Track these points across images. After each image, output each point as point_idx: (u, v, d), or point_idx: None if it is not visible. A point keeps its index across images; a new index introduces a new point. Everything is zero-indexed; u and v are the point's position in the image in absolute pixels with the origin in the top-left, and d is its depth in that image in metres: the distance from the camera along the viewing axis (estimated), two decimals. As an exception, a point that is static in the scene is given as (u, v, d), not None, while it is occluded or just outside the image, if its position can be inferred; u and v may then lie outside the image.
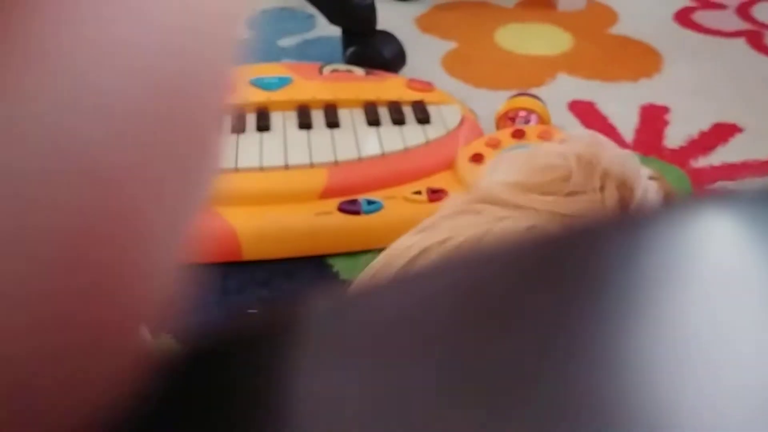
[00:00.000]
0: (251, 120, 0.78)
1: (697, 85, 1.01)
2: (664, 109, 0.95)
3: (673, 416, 0.13)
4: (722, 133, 0.90)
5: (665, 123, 0.92)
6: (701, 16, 1.21)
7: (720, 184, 0.81)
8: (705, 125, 0.91)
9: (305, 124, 0.77)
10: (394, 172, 0.72)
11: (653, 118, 0.93)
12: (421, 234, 0.47)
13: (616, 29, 1.16)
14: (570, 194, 0.46)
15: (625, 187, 0.50)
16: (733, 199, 0.20)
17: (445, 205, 0.50)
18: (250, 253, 0.69)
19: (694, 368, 0.14)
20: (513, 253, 0.19)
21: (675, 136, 0.89)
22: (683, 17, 1.20)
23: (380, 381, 0.15)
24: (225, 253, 0.67)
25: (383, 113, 0.79)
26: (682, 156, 0.85)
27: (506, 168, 0.49)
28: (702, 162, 0.84)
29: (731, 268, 0.17)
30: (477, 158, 0.73)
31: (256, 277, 0.69)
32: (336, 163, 0.72)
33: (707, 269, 0.17)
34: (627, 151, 0.52)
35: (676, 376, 0.14)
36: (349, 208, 0.69)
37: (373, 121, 0.77)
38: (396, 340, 0.16)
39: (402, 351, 0.16)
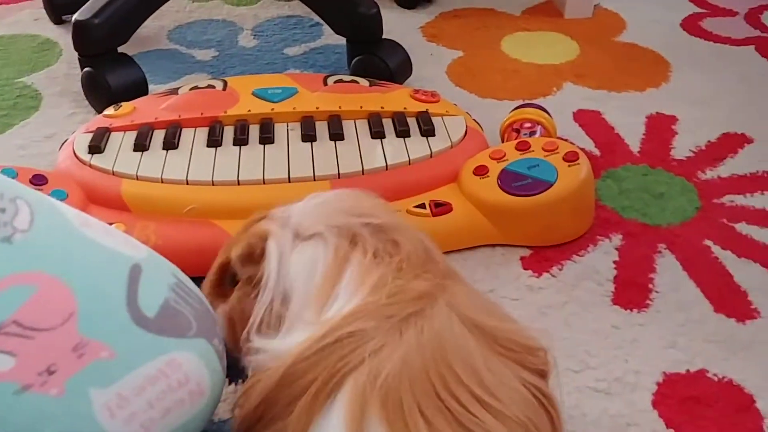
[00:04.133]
0: (255, 132, 0.78)
1: (706, 94, 1.00)
2: (672, 119, 0.94)
3: None
4: (731, 143, 0.89)
5: (673, 133, 0.91)
6: (710, 24, 1.19)
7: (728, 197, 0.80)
8: (713, 135, 0.90)
9: (309, 136, 0.76)
10: (397, 186, 0.71)
11: (661, 128, 0.92)
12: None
13: (624, 37, 1.15)
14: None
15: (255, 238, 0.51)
16: None
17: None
18: (252, 266, 0.69)
19: None
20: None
21: (682, 147, 0.88)
22: (691, 24, 1.19)
23: None
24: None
25: (388, 125, 0.78)
26: (689, 167, 0.84)
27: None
28: (710, 173, 0.83)
29: None
30: (481, 171, 0.73)
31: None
32: (339, 176, 0.71)
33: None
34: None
35: None
36: (352, 221, 0.69)
37: (377, 133, 0.77)
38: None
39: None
